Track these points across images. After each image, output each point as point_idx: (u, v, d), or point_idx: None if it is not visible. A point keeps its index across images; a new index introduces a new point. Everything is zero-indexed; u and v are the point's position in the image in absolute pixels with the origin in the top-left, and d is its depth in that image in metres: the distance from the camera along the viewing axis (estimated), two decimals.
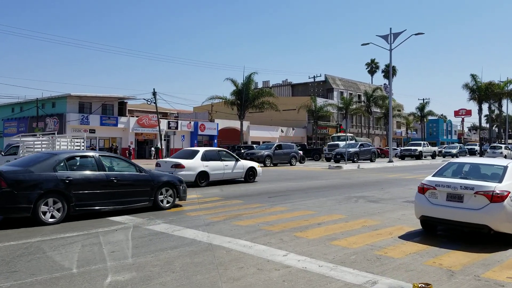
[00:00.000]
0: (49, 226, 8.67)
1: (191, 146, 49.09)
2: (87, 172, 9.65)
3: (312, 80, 66.30)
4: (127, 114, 47.84)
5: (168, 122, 49.99)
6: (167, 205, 11.01)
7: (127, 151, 42.37)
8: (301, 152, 38.81)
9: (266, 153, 31.93)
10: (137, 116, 48.04)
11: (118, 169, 10.48)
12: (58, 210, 9.00)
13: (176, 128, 49.56)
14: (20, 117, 48.08)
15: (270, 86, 76.39)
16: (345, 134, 44.62)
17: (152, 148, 47.60)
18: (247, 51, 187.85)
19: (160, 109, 47.28)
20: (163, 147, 44.77)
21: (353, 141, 42.90)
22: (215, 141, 51.88)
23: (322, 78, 70.36)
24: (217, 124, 54.63)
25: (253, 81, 49.44)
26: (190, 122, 52.17)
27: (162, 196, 10.95)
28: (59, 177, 9.06)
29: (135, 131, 46.58)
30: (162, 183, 10.95)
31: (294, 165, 33.59)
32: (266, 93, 50.21)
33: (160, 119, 45.91)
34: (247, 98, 47.41)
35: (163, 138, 45.14)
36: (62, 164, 9.33)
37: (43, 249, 6.85)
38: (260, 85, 71.61)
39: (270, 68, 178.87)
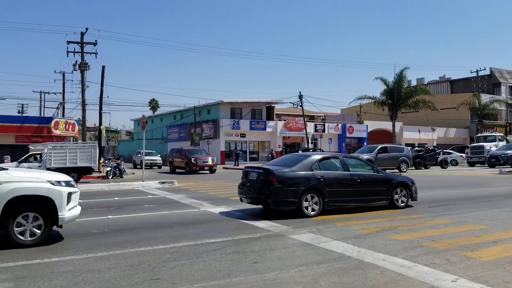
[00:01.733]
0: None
1: (339, 149, 48.03)
2: (336, 172, 10.70)
3: (474, 74, 59.66)
4: (274, 118, 48.91)
5: (315, 125, 49.72)
6: (402, 204, 11.42)
7: (270, 154, 43.23)
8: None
9: (365, 157, 25.59)
10: (284, 120, 48.78)
11: (359, 169, 11.25)
12: (316, 204, 10.17)
13: (323, 131, 49.01)
14: (181, 123, 52.67)
15: (425, 83, 70.89)
16: (493, 134, 38.74)
17: (300, 151, 47.80)
18: (397, 47, 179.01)
19: (306, 112, 47.28)
20: (310, 150, 44.58)
21: (504, 142, 36.75)
22: (365, 143, 49.90)
23: (487, 72, 62.78)
24: (366, 126, 52.56)
25: (405, 78, 46.34)
26: (337, 125, 51.14)
27: (397, 195, 11.39)
28: (315, 176, 10.23)
29: (283, 135, 47.32)
30: (397, 183, 11.43)
31: (405, 171, 28.20)
32: (421, 90, 46.58)
33: (307, 122, 45.87)
34: (399, 97, 44.55)
35: (310, 141, 44.97)
36: (316, 164, 10.51)
37: (188, 255, 6.71)
38: (413, 83, 67.01)
39: (424, 64, 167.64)
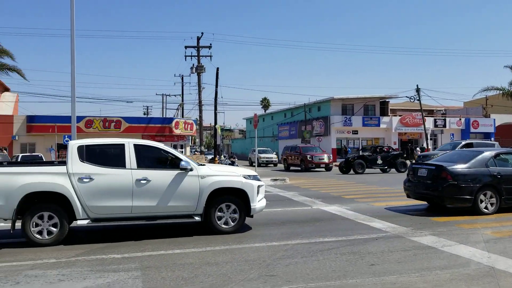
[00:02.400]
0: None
1: None
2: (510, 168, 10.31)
3: None
4: (389, 114, 46.85)
5: (434, 120, 46.62)
6: None
7: (344, 151, 41.75)
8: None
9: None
10: (399, 115, 46.48)
11: None
12: (492, 201, 9.92)
13: (444, 126, 45.74)
14: (291, 121, 53.03)
15: None
16: None
17: (418, 148, 45.16)
18: None
19: (424, 106, 44.46)
20: (429, 147, 41.88)
21: None
22: (492, 139, 45.51)
23: None
24: (494, 120, 47.92)
25: None
26: (460, 119, 47.37)
27: None
28: (491, 173, 9.99)
29: (398, 131, 45.13)
30: None
31: None
32: None
33: (425, 117, 43.16)
34: None
35: (429, 138, 42.26)
36: (491, 160, 10.25)
37: (302, 253, 6.65)
38: None
39: None
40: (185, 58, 36.86)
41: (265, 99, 79.93)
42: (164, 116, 49.18)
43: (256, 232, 8.34)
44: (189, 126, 41.55)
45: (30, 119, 37.21)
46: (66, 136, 28.54)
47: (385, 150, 28.23)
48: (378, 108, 46.34)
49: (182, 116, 47.85)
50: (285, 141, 49.64)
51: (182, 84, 50.71)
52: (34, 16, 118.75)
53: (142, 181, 7.60)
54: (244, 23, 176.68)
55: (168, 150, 8.19)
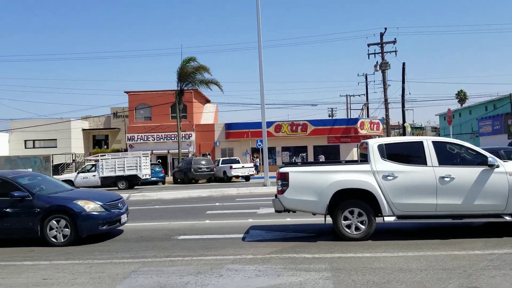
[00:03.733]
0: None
1: None
2: None
3: None
4: None
5: None
6: None
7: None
8: None
9: None
10: None
11: None
12: None
13: None
14: (494, 115, 47.07)
15: None
16: None
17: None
18: None
19: None
20: None
21: None
22: None
23: None
24: None
25: None
26: None
27: None
28: None
29: None
30: None
31: None
32: None
33: None
34: None
35: None
36: None
37: (511, 264, 5.77)
38: None
39: None
40: (368, 56, 36.11)
41: (461, 91, 72.84)
42: (349, 117, 49.03)
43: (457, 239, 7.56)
44: (375, 125, 40.56)
45: (228, 126, 41.33)
46: (259, 140, 30.82)
47: None
48: None
49: (367, 116, 46.96)
50: (488, 137, 44.32)
51: (366, 83, 49.81)
52: (223, 33, 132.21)
53: (445, 179, 7.46)
54: (429, 12, 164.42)
55: (470, 146, 7.86)
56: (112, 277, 5.96)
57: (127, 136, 41.64)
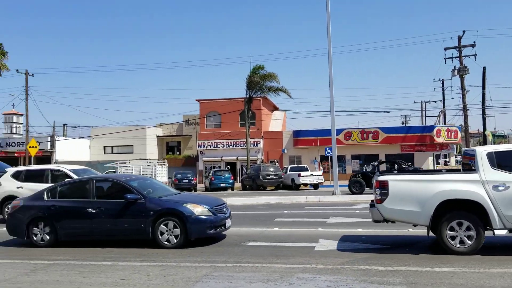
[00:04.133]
0: None
1: None
2: None
3: None
4: None
5: None
6: None
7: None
8: None
9: None
10: None
11: None
12: None
13: None
14: None
15: None
16: None
17: None
18: None
19: None
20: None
21: None
22: None
23: None
24: None
25: None
26: None
27: None
28: None
29: None
30: None
31: None
32: None
33: None
34: None
35: None
36: None
37: None
38: None
39: None
40: (445, 61, 34.43)
41: None
42: (424, 124, 47.05)
43: None
44: (452, 133, 38.56)
45: (296, 134, 41.22)
46: (328, 148, 30.43)
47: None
48: None
49: (444, 123, 44.75)
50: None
51: (443, 88, 47.55)
52: (292, 40, 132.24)
53: None
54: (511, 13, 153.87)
55: None
56: (185, 280, 6.12)
57: (198, 143, 42.87)
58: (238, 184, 35.33)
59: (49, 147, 42.06)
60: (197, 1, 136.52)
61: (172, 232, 8.42)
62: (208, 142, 42.34)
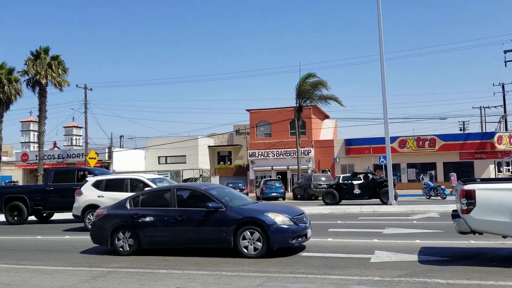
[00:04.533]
0: None
1: None
2: None
3: None
4: None
5: None
6: None
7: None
8: None
9: None
10: None
11: None
12: None
13: None
14: None
15: None
16: None
17: None
18: None
19: None
20: None
21: None
22: None
23: None
24: None
25: None
26: None
27: None
28: None
29: None
30: None
31: None
32: None
33: None
34: None
35: None
36: None
37: None
38: None
39: None
40: (505, 64, 32.90)
41: None
42: (484, 131, 44.90)
43: None
44: None
45: (348, 142, 40.57)
46: (381, 157, 29.68)
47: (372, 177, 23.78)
48: None
49: (506, 129, 42.48)
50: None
51: (503, 93, 45.20)
52: (342, 49, 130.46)
53: None
54: None
55: None
56: None
57: (249, 153, 43.17)
58: (289, 194, 35.15)
59: (107, 158, 43.86)
60: (248, 10, 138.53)
61: (254, 241, 8.27)
62: (258, 152, 42.54)
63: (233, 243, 8.34)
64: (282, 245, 8.33)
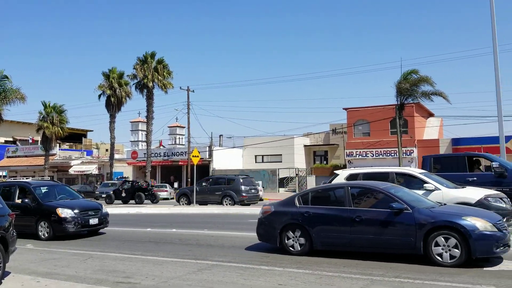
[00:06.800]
0: None
1: None
2: None
3: None
4: None
5: None
6: None
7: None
8: None
9: None
10: None
11: None
12: None
13: None
14: None
15: None
16: None
17: None
18: None
19: None
20: None
21: None
22: None
23: None
24: None
25: None
26: None
27: None
28: None
29: None
30: None
31: None
32: None
33: None
34: None
35: None
36: None
37: None
38: None
39: None
40: None
41: None
42: None
43: None
44: None
45: (456, 141, 38.02)
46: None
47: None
48: None
49: None
50: None
51: None
52: (446, 45, 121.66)
53: None
54: None
55: None
56: None
57: (346, 152, 42.30)
58: None
59: (207, 156, 45.74)
60: (345, 6, 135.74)
61: (450, 248, 7.33)
62: (356, 151, 41.51)
63: (423, 249, 7.51)
64: (485, 254, 7.30)
